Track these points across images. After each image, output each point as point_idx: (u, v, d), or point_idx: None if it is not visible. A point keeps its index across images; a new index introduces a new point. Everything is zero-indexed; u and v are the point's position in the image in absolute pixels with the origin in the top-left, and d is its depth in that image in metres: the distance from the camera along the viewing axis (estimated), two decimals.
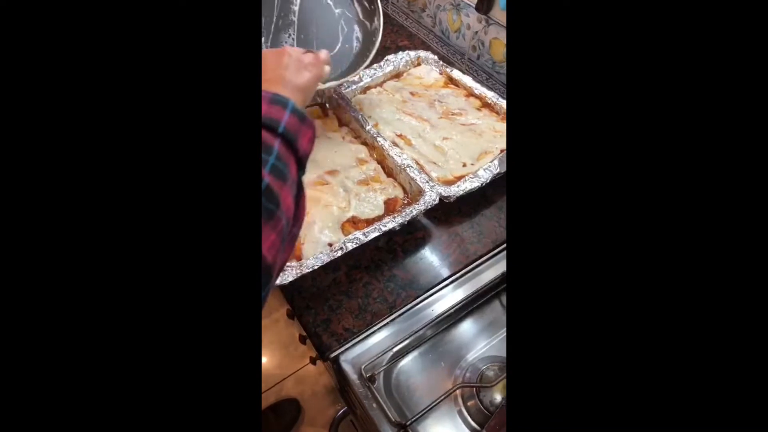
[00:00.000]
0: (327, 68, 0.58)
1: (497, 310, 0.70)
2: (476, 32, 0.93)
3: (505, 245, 0.70)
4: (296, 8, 0.75)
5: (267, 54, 0.49)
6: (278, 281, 0.57)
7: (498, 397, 0.60)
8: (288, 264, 0.59)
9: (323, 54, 0.56)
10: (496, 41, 0.89)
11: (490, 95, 0.84)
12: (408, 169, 0.70)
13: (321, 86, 0.67)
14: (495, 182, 0.71)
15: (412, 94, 0.87)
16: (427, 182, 0.68)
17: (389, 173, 0.74)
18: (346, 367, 0.59)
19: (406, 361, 0.65)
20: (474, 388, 0.61)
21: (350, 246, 0.62)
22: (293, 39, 0.75)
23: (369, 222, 0.67)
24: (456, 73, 0.89)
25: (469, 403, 0.61)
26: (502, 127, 0.81)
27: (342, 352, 0.60)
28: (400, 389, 0.63)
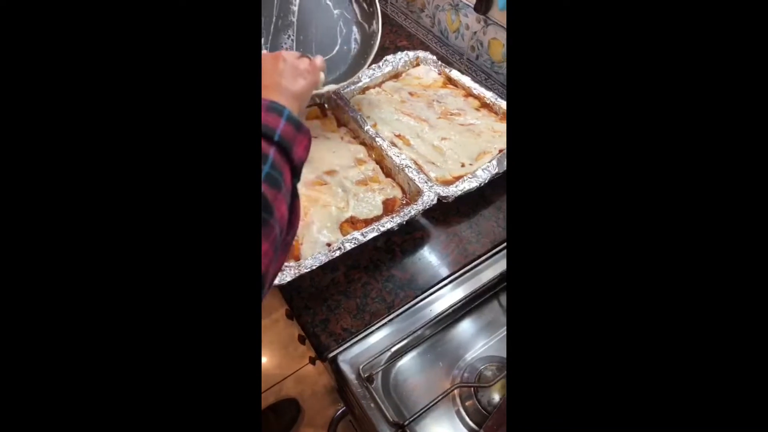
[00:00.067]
0: (322, 75, 0.58)
1: (496, 310, 0.70)
2: (475, 32, 0.93)
3: (503, 245, 0.70)
4: (295, 8, 0.75)
5: (264, 58, 0.49)
6: (277, 281, 0.57)
7: (496, 397, 0.60)
8: (286, 264, 0.59)
9: (318, 60, 0.56)
10: (495, 41, 0.89)
11: (488, 95, 0.84)
12: (406, 169, 0.70)
13: (320, 90, 0.67)
14: (493, 182, 0.71)
15: (410, 94, 0.87)
16: (426, 182, 0.68)
17: (388, 173, 0.74)
18: (345, 367, 0.60)
19: (405, 361, 0.65)
20: (472, 388, 0.61)
21: (349, 246, 0.62)
22: (292, 40, 0.75)
23: (367, 222, 0.67)
24: (455, 74, 0.89)
25: (467, 403, 0.61)
26: (501, 127, 0.81)
27: (340, 352, 0.61)
28: (398, 389, 0.63)
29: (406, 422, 0.55)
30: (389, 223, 0.64)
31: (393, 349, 0.62)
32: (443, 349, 0.67)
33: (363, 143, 0.78)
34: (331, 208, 0.68)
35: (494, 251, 0.70)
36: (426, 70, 0.93)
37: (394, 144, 0.77)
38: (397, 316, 0.63)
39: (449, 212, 0.73)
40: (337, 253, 0.61)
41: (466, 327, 0.69)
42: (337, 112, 0.83)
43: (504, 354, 0.66)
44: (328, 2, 0.76)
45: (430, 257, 0.68)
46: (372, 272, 0.66)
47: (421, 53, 0.94)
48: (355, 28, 0.78)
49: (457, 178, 0.72)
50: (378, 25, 0.75)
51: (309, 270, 0.59)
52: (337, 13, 0.77)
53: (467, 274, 0.68)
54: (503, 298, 0.71)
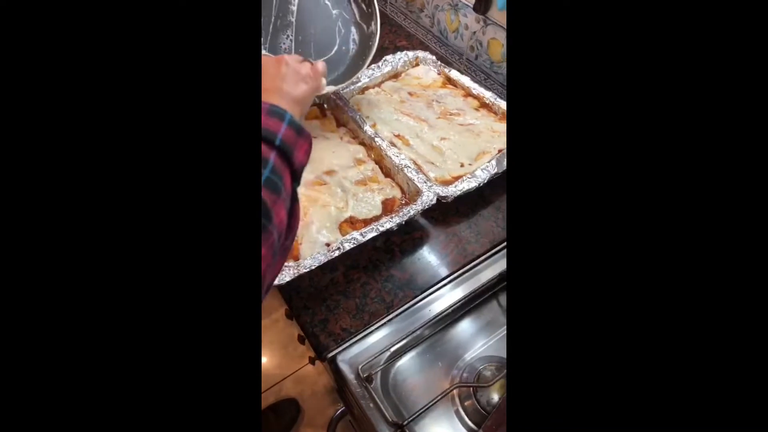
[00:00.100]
0: (324, 81, 0.58)
1: (495, 310, 0.70)
2: (474, 32, 0.93)
3: (502, 245, 0.70)
4: (294, 8, 0.75)
5: (266, 61, 0.49)
6: (276, 281, 0.57)
7: (495, 397, 0.60)
8: (285, 264, 0.59)
9: (320, 65, 0.57)
10: (494, 41, 0.89)
11: (488, 95, 0.84)
12: (406, 169, 0.70)
13: (320, 92, 0.67)
14: (493, 182, 0.71)
15: (410, 94, 0.87)
16: (425, 182, 0.68)
17: (387, 173, 0.74)
18: (344, 367, 0.60)
19: (404, 361, 0.65)
20: (471, 388, 0.61)
21: (348, 246, 0.62)
22: (291, 40, 0.75)
23: (367, 222, 0.67)
24: (454, 74, 0.89)
25: (466, 403, 0.61)
26: (500, 127, 0.81)
27: (339, 352, 0.61)
28: (397, 389, 0.63)
29: (405, 422, 0.55)
30: (388, 223, 0.64)
31: (392, 349, 0.62)
32: (442, 349, 0.67)
33: (362, 143, 0.78)
34: (330, 208, 0.68)
35: (493, 251, 0.70)
36: (425, 70, 0.93)
37: (393, 144, 0.77)
38: (396, 316, 0.63)
39: (448, 212, 0.73)
40: (336, 253, 0.61)
41: (465, 327, 0.69)
42: (336, 112, 0.83)
43: (503, 354, 0.66)
44: (327, 2, 0.76)
45: (429, 257, 0.69)
46: (371, 272, 0.66)
47: (420, 53, 0.94)
48: (353, 29, 0.78)
49: (456, 178, 0.72)
50: (376, 26, 0.75)
51: (308, 270, 0.59)
52: (335, 13, 0.77)
53: (466, 274, 0.68)
54: (502, 298, 0.71)
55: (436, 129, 0.80)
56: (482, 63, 0.95)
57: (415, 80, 0.91)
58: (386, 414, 0.56)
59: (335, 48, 0.77)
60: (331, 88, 0.72)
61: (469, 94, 0.87)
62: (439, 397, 0.58)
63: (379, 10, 0.75)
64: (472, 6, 0.89)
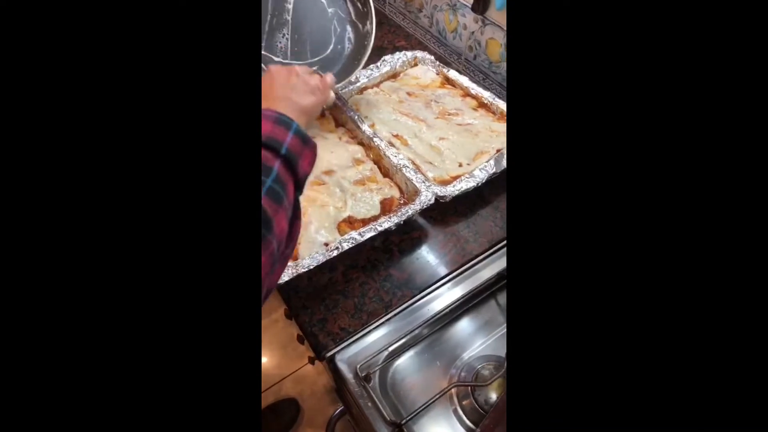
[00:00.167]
0: (332, 95, 0.60)
1: (493, 310, 0.71)
2: (473, 32, 0.94)
3: (501, 244, 0.70)
4: (290, 7, 0.75)
5: (277, 71, 0.51)
6: None
7: (493, 396, 0.60)
8: None
9: (329, 78, 0.58)
10: (493, 41, 0.89)
11: (486, 95, 0.84)
12: (404, 169, 0.70)
13: (326, 104, 0.67)
14: (491, 182, 0.71)
15: (408, 94, 0.88)
16: (424, 182, 0.68)
17: (385, 173, 0.74)
18: (342, 367, 0.60)
19: (402, 361, 0.65)
20: (469, 387, 0.61)
21: (346, 246, 0.62)
22: (287, 39, 0.75)
23: (365, 222, 0.67)
24: (453, 74, 0.90)
25: (464, 402, 0.61)
26: (498, 127, 0.81)
27: (338, 352, 0.61)
28: (395, 388, 0.63)
29: (404, 421, 0.55)
30: (387, 223, 0.64)
31: (390, 349, 0.62)
32: (441, 349, 0.67)
33: (361, 143, 0.78)
34: (328, 207, 0.68)
35: (492, 250, 0.70)
36: (424, 70, 0.93)
37: (391, 144, 0.77)
38: (395, 315, 0.64)
39: (447, 212, 0.73)
40: (335, 253, 0.61)
41: (463, 326, 0.69)
42: (335, 112, 0.83)
43: (501, 353, 0.66)
44: (323, 0, 0.77)
45: (428, 257, 0.69)
46: (370, 272, 0.66)
47: (419, 53, 0.94)
48: (349, 27, 0.78)
49: (455, 178, 0.72)
50: (372, 26, 0.75)
51: (307, 270, 0.59)
52: (331, 11, 0.77)
53: (465, 274, 0.68)
54: (501, 298, 0.71)
55: (434, 129, 0.80)
56: (481, 63, 0.95)
57: (413, 80, 0.91)
58: (384, 413, 0.56)
59: (331, 47, 0.77)
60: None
61: (467, 94, 0.87)
62: (438, 396, 0.58)
63: (378, 10, 0.75)
64: (470, 6, 0.89)
